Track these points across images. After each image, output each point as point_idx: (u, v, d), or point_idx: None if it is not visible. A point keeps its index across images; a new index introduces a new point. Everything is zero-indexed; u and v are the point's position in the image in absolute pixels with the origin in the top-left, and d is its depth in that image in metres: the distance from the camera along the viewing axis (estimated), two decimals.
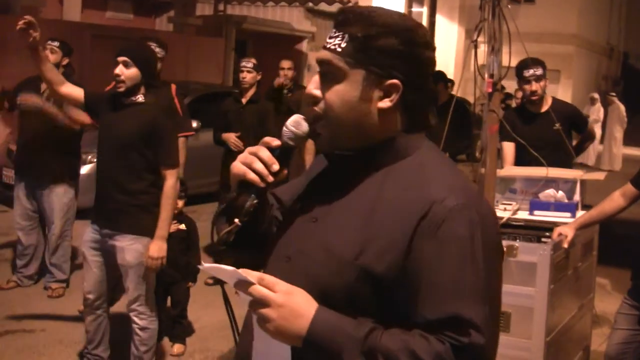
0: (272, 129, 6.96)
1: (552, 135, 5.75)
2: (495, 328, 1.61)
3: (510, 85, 12.46)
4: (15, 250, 6.81)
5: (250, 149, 1.74)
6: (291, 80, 8.81)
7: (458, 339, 1.51)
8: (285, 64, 8.79)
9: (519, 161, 5.75)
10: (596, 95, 19.81)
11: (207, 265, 1.64)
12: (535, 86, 5.89)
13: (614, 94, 20.66)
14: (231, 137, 7.00)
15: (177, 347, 5.50)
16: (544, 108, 6.02)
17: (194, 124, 9.80)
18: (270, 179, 1.71)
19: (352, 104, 1.70)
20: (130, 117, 4.44)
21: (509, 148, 5.96)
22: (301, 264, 1.69)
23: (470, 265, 1.56)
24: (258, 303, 1.59)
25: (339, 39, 1.71)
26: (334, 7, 18.23)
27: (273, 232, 1.87)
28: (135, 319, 4.67)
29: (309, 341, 1.56)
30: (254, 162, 1.71)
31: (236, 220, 1.72)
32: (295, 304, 1.58)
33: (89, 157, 8.20)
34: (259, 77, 7.06)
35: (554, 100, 6.19)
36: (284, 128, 1.75)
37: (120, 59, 4.42)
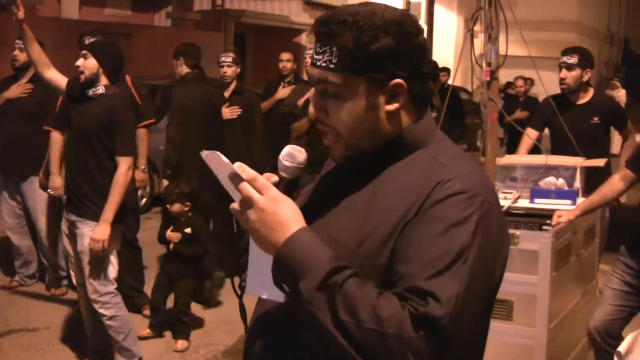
0: (259, 119, 7.09)
1: (588, 129, 5.61)
2: (469, 311, 1.46)
3: (510, 73, 12.44)
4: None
5: None
6: (291, 73, 8.77)
7: (415, 307, 1.41)
8: (285, 55, 8.75)
9: (555, 152, 5.59)
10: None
11: (206, 152, 1.58)
12: (564, 73, 5.70)
13: (617, 80, 20.68)
14: (225, 109, 6.94)
15: (181, 343, 5.49)
16: (583, 100, 5.80)
17: None
18: None
19: (360, 116, 1.62)
20: (92, 108, 4.63)
21: (528, 138, 5.83)
22: None
23: (448, 240, 1.47)
24: (244, 202, 1.55)
25: (327, 54, 1.61)
26: None
27: None
28: (101, 310, 4.65)
29: (280, 256, 1.49)
30: None
31: None
32: (278, 212, 1.52)
33: None
34: (239, 70, 7.09)
35: (595, 92, 5.93)
36: (279, 163, 1.69)
37: (81, 52, 4.70)
